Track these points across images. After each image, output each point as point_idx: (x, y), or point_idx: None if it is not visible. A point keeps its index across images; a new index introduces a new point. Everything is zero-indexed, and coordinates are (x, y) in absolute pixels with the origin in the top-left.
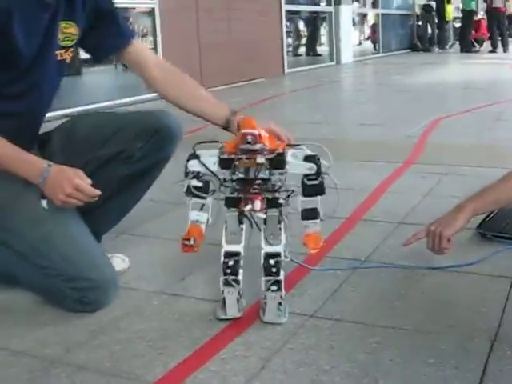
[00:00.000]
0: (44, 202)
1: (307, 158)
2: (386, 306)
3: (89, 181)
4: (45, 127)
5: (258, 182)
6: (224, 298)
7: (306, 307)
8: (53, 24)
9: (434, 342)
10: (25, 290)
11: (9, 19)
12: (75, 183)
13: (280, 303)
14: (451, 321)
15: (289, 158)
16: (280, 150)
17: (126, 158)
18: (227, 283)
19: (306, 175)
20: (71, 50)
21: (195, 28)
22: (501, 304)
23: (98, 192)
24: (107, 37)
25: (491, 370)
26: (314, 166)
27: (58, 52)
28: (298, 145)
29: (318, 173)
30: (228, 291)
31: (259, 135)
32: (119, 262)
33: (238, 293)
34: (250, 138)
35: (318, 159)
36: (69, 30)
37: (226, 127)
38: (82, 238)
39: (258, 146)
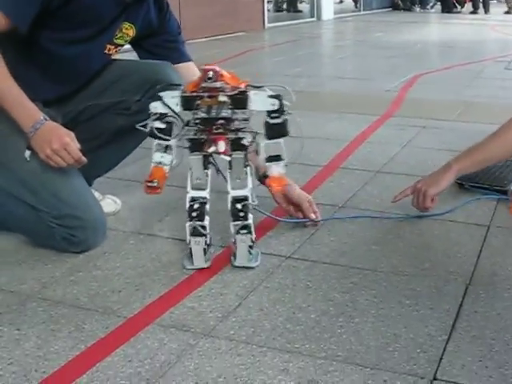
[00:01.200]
0: (27, 153)
1: (270, 97)
2: (362, 249)
3: (78, 145)
4: None
5: (220, 122)
6: (190, 249)
7: (283, 249)
8: (117, 20)
9: (410, 284)
10: (1, 232)
11: None
12: (64, 141)
13: (251, 246)
14: (427, 264)
15: (251, 95)
16: (242, 88)
17: (123, 109)
18: (194, 232)
19: (268, 114)
20: (119, 48)
21: None
22: (476, 250)
23: (85, 160)
24: (165, 49)
25: (465, 311)
26: (276, 101)
27: (108, 45)
28: (260, 86)
29: (282, 110)
30: (195, 241)
31: (220, 73)
32: (111, 203)
33: (205, 243)
34: (211, 74)
35: (281, 98)
36: (127, 31)
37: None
38: (74, 177)
39: (219, 84)
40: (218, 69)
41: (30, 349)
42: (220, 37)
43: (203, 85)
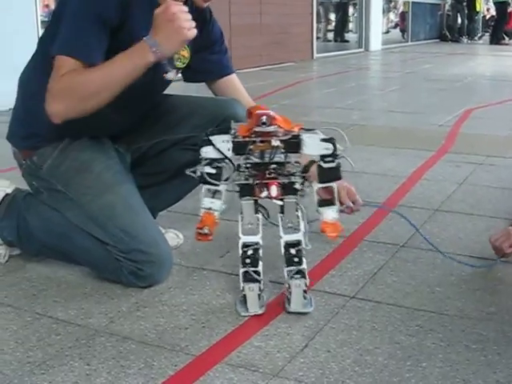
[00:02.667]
0: (170, 75)
1: (323, 141)
2: (425, 291)
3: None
4: None
5: (273, 166)
6: (245, 295)
7: (347, 288)
8: None
9: (476, 328)
10: (68, 264)
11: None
12: (169, 4)
13: (305, 291)
14: (492, 308)
15: (304, 138)
16: (295, 132)
17: (191, 145)
18: (247, 278)
19: (322, 158)
20: (179, 72)
21: (227, 10)
22: None
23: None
24: (208, 63)
25: None
26: (330, 145)
27: (168, 72)
28: (312, 129)
29: (335, 154)
30: (249, 287)
31: (273, 117)
32: (174, 237)
33: (259, 288)
34: (265, 119)
35: (335, 141)
36: (183, 53)
37: None
38: (142, 211)
39: (272, 128)
40: (271, 113)
41: None
42: (269, 67)
43: (256, 129)
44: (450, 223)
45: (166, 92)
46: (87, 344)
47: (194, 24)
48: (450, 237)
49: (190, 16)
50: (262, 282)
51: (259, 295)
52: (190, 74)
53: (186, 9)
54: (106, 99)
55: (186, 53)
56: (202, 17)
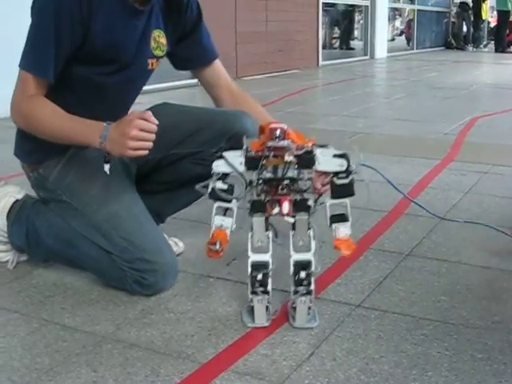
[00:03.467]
0: (106, 167)
1: (336, 156)
2: (431, 300)
3: (148, 112)
4: None
5: (285, 182)
6: (252, 306)
7: (352, 297)
8: (147, 31)
9: (481, 338)
10: (74, 269)
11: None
12: (136, 123)
13: (309, 307)
14: (497, 317)
15: (318, 154)
16: (309, 148)
17: (201, 160)
18: (256, 293)
19: (335, 175)
20: (159, 60)
21: (233, 17)
22: None
23: (156, 122)
24: (194, 51)
25: None
26: (344, 161)
27: (149, 61)
28: (325, 145)
29: (349, 171)
30: (257, 299)
31: (287, 131)
32: (173, 245)
33: (268, 300)
34: (278, 133)
35: (348, 157)
36: (161, 40)
37: None
38: (146, 220)
39: (285, 143)
40: (285, 127)
41: None
42: (274, 74)
43: (269, 144)
44: (455, 232)
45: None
46: (94, 351)
47: (146, 145)
48: (456, 246)
49: (148, 136)
50: (270, 294)
51: (267, 307)
52: (178, 61)
53: (149, 127)
54: (53, 141)
55: (163, 40)
56: (175, 3)
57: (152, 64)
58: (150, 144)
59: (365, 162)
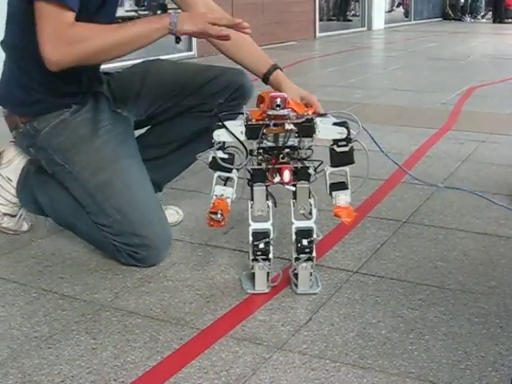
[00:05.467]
0: (178, 43)
1: (336, 125)
2: (428, 265)
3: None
4: None
5: (286, 151)
6: (253, 273)
7: (350, 263)
8: None
9: (478, 302)
10: (73, 240)
11: None
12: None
13: (311, 273)
14: (493, 282)
15: (318, 122)
16: (309, 116)
17: (205, 112)
18: (257, 260)
19: (334, 142)
20: None
21: None
22: None
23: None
24: None
25: None
26: (344, 129)
27: None
28: (324, 114)
29: (348, 139)
30: (258, 266)
31: (287, 100)
32: (173, 213)
33: (268, 267)
34: (279, 101)
35: (348, 125)
36: None
37: (265, 81)
38: (141, 190)
39: (286, 111)
40: (285, 96)
41: (107, 358)
42: (271, 46)
43: (269, 112)
44: (452, 200)
45: None
46: (93, 319)
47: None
48: (453, 213)
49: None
50: (271, 261)
51: (268, 273)
52: None
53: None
54: (114, 57)
55: None
56: None
57: None
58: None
59: (361, 131)
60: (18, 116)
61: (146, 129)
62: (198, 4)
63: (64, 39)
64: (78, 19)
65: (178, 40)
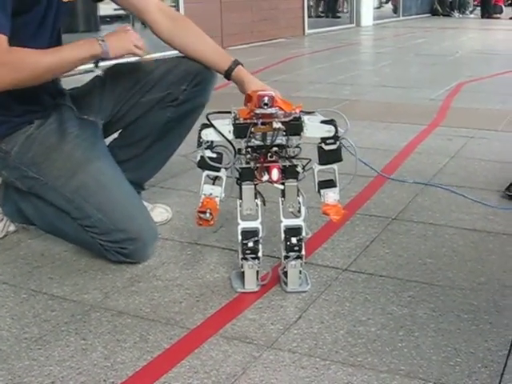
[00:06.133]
0: (97, 69)
1: (324, 123)
2: (417, 262)
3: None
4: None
5: (274, 149)
6: (242, 272)
7: (339, 261)
8: None
9: (467, 299)
10: (62, 241)
11: None
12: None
13: (300, 271)
14: (482, 278)
15: (306, 121)
16: (296, 114)
17: (171, 101)
18: (246, 259)
19: (322, 140)
20: None
21: None
22: None
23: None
24: None
25: None
26: (332, 127)
27: None
28: (312, 111)
29: (336, 136)
30: (248, 264)
31: (274, 98)
32: (162, 211)
33: (258, 266)
34: (266, 100)
35: (335, 123)
36: None
37: (227, 78)
38: (117, 187)
39: (273, 110)
40: (273, 94)
41: (97, 359)
42: (260, 43)
43: (257, 111)
44: (441, 196)
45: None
46: (83, 319)
47: (142, 47)
48: (442, 209)
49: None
50: (260, 260)
51: (257, 272)
52: None
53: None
54: (49, 79)
55: None
56: None
57: None
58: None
59: (351, 128)
60: None
61: (118, 133)
62: (151, 12)
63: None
64: (14, 43)
65: (96, 64)
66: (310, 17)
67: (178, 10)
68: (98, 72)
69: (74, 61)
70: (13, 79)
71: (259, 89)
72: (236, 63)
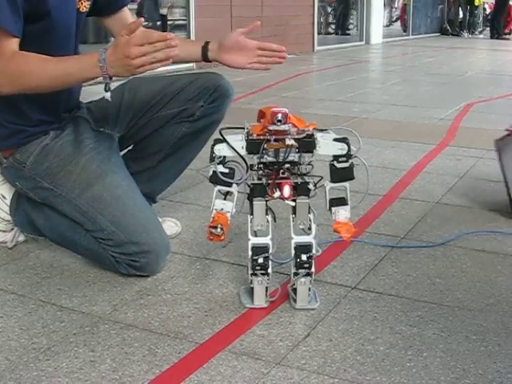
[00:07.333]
0: (107, 95)
1: (336, 140)
2: (426, 282)
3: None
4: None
5: (286, 166)
6: (251, 287)
7: (348, 279)
8: None
9: (476, 320)
10: (71, 252)
11: None
12: (133, 41)
13: (309, 288)
14: (491, 300)
15: (319, 138)
16: (309, 131)
17: (187, 117)
18: (256, 275)
19: (335, 158)
20: (88, 3)
21: (228, 2)
22: None
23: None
24: None
25: None
26: (345, 145)
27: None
28: (325, 129)
29: (349, 155)
30: (257, 280)
31: (288, 115)
32: (172, 225)
33: (267, 282)
34: (280, 116)
35: (348, 141)
36: None
37: (205, 59)
38: (131, 200)
39: (287, 127)
40: (287, 111)
41: (105, 371)
42: None
43: (270, 127)
44: (450, 216)
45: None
46: (91, 331)
47: (155, 57)
48: (451, 229)
49: (152, 48)
50: (270, 276)
51: (267, 288)
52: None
53: (148, 37)
54: (50, 90)
55: None
56: None
57: (81, 3)
58: (160, 54)
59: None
60: (0, 150)
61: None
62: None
63: (2, 69)
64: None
65: (107, 87)
66: (319, 33)
67: (189, 24)
68: (108, 96)
69: (72, 78)
70: (14, 87)
71: (232, 41)
72: (206, 42)
